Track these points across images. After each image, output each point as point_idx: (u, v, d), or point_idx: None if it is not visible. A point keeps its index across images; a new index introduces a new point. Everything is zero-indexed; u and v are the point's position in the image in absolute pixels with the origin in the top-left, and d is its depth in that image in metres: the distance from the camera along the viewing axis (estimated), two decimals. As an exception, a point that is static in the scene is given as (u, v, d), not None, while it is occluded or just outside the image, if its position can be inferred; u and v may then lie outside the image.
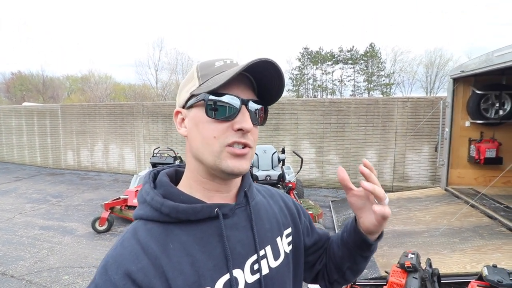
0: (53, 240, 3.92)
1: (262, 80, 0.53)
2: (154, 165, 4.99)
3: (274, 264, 0.58)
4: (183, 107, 0.55)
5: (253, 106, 0.52)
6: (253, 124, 0.52)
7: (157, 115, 7.99)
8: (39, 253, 3.55)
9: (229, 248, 0.51)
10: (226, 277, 0.50)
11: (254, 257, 0.55)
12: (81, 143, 8.94)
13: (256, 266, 0.54)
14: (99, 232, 4.09)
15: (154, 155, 5.14)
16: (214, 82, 0.50)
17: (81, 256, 3.46)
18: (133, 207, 4.36)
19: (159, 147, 5.75)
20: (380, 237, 0.62)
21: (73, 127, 8.96)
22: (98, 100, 24.20)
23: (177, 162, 4.99)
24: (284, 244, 0.62)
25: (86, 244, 3.80)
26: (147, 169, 5.46)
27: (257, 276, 0.54)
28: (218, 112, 0.49)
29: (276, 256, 0.59)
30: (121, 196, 4.49)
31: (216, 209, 0.52)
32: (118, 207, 4.35)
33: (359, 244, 0.62)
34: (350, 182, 0.57)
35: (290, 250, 0.64)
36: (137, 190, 4.46)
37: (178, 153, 5.40)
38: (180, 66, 27.83)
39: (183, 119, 0.55)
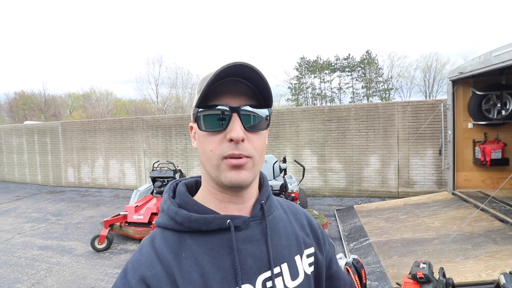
0: (51, 261, 3.81)
1: (254, 83, 0.52)
2: (153, 179, 4.91)
3: (291, 284, 0.54)
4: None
5: (251, 111, 0.51)
6: (252, 130, 0.50)
7: (156, 128, 7.98)
8: (37, 274, 3.44)
9: (240, 261, 0.50)
10: None
11: (268, 273, 0.52)
12: (81, 160, 8.91)
13: (269, 284, 0.51)
14: (98, 250, 3.98)
15: (154, 169, 5.07)
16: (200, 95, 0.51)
17: (79, 277, 3.34)
18: (133, 224, 4.26)
19: (158, 161, 5.69)
20: None
21: (73, 144, 8.96)
22: (99, 116, 24.36)
23: (177, 176, 4.91)
24: (305, 264, 0.58)
25: (85, 263, 3.69)
26: (146, 184, 5.37)
27: None
28: (209, 124, 0.50)
29: (294, 275, 0.55)
30: (121, 213, 4.40)
31: (228, 221, 0.51)
32: (118, 223, 4.25)
33: None
34: None
35: (312, 272, 0.59)
36: (137, 206, 4.37)
37: (178, 166, 5.33)
38: (180, 80, 28.17)
39: (195, 133, 0.57)
